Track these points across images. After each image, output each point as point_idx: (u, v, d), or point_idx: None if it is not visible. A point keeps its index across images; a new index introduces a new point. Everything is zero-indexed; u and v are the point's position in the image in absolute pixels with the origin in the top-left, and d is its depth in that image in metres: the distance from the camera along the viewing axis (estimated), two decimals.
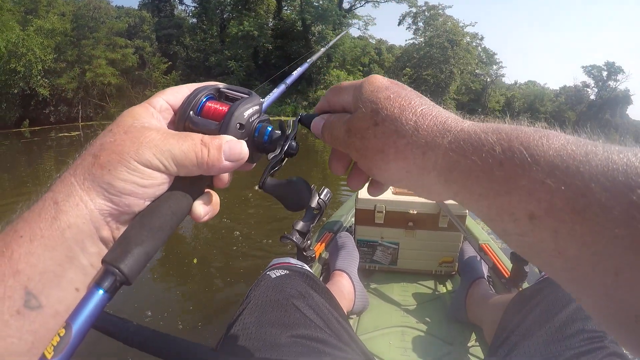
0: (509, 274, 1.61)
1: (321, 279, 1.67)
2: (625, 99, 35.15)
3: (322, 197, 1.60)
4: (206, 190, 0.39)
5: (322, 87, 25.87)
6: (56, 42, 20.09)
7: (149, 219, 0.32)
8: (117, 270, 0.29)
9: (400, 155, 0.32)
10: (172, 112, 0.39)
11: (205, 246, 3.62)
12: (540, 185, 0.24)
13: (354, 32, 30.36)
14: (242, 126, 0.37)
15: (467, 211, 1.74)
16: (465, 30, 29.48)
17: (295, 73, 0.59)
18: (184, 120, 0.37)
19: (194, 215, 0.37)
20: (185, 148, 0.33)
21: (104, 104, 23.03)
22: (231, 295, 2.61)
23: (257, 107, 0.39)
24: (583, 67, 35.43)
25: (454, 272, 1.87)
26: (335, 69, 27.04)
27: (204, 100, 0.38)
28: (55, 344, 0.26)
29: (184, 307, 2.49)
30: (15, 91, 18.74)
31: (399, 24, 31.36)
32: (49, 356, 0.25)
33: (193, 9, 29.40)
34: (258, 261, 3.13)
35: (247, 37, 25.13)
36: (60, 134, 15.01)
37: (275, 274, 0.92)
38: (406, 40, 41.30)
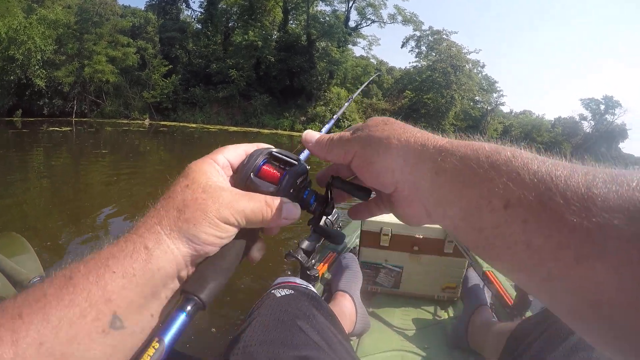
0: (512, 302, 1.58)
1: (323, 298, 1.62)
2: (621, 132, 35.46)
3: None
4: None
5: (321, 103, 26.06)
6: (58, 34, 20.06)
7: (220, 261, 0.40)
8: (197, 298, 0.37)
9: (403, 143, 0.37)
10: (231, 169, 0.45)
11: None
12: (517, 175, 0.28)
13: (357, 51, 30.65)
14: (294, 190, 0.45)
15: None
16: (468, 57, 29.88)
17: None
18: (245, 180, 0.43)
19: (250, 258, 0.46)
20: (255, 208, 0.41)
21: (99, 102, 22.95)
22: (231, 312, 2.55)
23: (304, 175, 0.46)
24: (581, 99, 35.97)
25: (456, 298, 1.83)
26: (336, 87, 27.27)
27: (261, 163, 0.44)
28: (151, 354, 0.33)
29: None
30: (12, 78, 18.64)
31: (402, 46, 31.78)
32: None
33: (199, 14, 29.68)
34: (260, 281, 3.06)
35: (251, 47, 25.33)
36: (52, 128, 14.74)
37: (280, 293, 0.90)
38: (410, 63, 41.76)
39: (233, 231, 0.40)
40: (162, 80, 24.41)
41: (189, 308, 0.37)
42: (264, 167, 0.44)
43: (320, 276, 1.67)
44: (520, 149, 0.32)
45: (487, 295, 1.61)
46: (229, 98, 25.57)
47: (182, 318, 0.36)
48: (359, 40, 29.96)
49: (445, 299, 1.83)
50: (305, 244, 1.48)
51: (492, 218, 0.29)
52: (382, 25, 29.87)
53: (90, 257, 0.35)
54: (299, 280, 1.02)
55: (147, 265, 0.35)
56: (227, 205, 0.39)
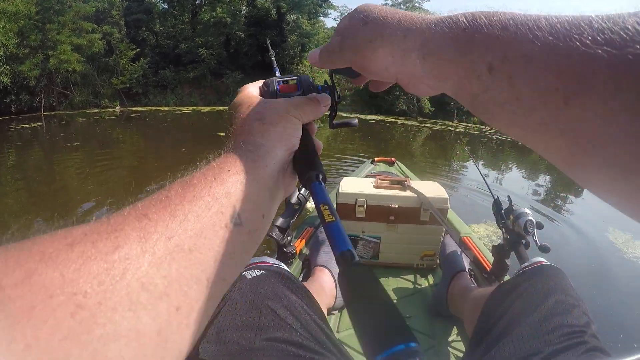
0: (490, 267, 1.61)
1: (302, 275, 1.63)
2: None
3: (302, 192, 1.57)
4: None
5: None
6: (19, 26, 19.12)
7: (306, 149, 0.48)
8: (318, 173, 0.44)
9: (386, 41, 0.39)
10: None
11: None
12: (496, 39, 0.28)
13: (329, 22, 30.11)
14: (313, 88, 0.55)
15: (448, 205, 1.72)
16: None
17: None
18: (276, 97, 0.52)
19: (318, 148, 0.52)
20: (303, 103, 0.49)
21: (68, 93, 22.19)
22: None
23: (311, 79, 0.56)
24: None
25: (435, 266, 1.86)
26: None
27: (277, 86, 0.54)
28: (326, 213, 0.38)
29: None
30: None
31: None
32: (332, 219, 0.37)
33: None
34: None
35: (219, 24, 24.69)
36: (21, 125, 14.19)
37: (251, 274, 0.89)
38: None
39: (300, 125, 0.47)
40: (130, 64, 23.59)
41: (318, 180, 0.44)
42: (280, 86, 0.54)
43: (298, 252, 1.67)
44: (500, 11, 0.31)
45: (466, 261, 1.63)
46: (200, 78, 24.96)
47: (321, 186, 0.43)
48: (330, 11, 29.31)
49: (425, 266, 1.85)
50: (279, 221, 1.48)
51: (481, 83, 0.30)
52: None
53: (201, 167, 0.38)
54: (270, 260, 1.02)
55: (255, 164, 0.40)
56: (289, 105, 0.47)
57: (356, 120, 0.63)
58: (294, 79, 0.56)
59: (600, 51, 0.22)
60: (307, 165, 0.46)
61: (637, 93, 0.20)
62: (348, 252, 0.34)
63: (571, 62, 0.23)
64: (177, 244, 0.30)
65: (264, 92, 0.53)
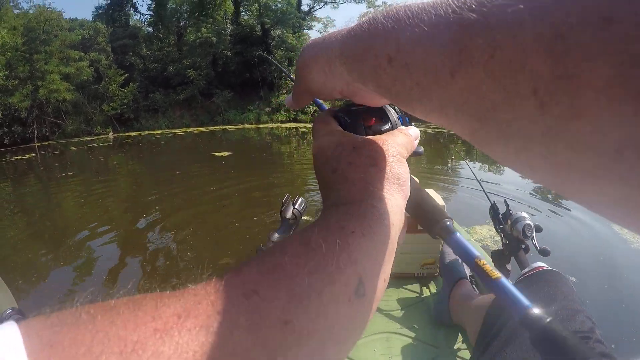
0: None
1: None
2: None
3: (297, 206, 1.56)
4: None
5: (284, 91, 25.73)
6: (7, 58, 19.26)
7: (420, 194, 0.44)
8: (448, 220, 0.41)
9: (315, 59, 0.39)
10: None
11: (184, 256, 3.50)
12: (390, 30, 0.27)
13: (313, 34, 30.29)
14: (399, 117, 0.47)
15: None
16: None
17: None
18: (365, 132, 0.45)
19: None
20: (404, 138, 0.42)
21: (60, 122, 22.20)
22: None
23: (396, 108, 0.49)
24: None
25: (436, 274, 1.86)
26: None
27: (362, 119, 0.46)
28: (488, 269, 0.35)
29: None
30: None
31: None
32: (499, 276, 0.34)
33: (148, 17, 28.80)
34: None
35: (205, 44, 24.81)
36: (15, 157, 14.18)
37: None
38: None
39: (407, 167, 0.41)
40: (120, 90, 23.62)
41: (454, 230, 0.40)
42: (363, 117, 0.46)
43: None
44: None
45: (466, 268, 1.62)
46: (190, 99, 24.95)
47: (462, 239, 0.39)
48: (313, 23, 29.54)
49: (426, 275, 1.86)
50: (275, 237, 1.48)
51: (387, 76, 0.28)
52: (336, 5, 29.56)
53: (314, 224, 0.33)
54: None
55: (382, 222, 0.34)
56: (395, 144, 0.41)
57: (422, 149, 0.55)
58: (360, 107, 0.47)
59: (474, 15, 0.21)
60: (436, 213, 0.41)
61: (514, 49, 0.18)
62: (531, 311, 0.31)
63: (452, 33, 0.22)
64: (293, 329, 0.26)
65: (347, 125, 0.45)
